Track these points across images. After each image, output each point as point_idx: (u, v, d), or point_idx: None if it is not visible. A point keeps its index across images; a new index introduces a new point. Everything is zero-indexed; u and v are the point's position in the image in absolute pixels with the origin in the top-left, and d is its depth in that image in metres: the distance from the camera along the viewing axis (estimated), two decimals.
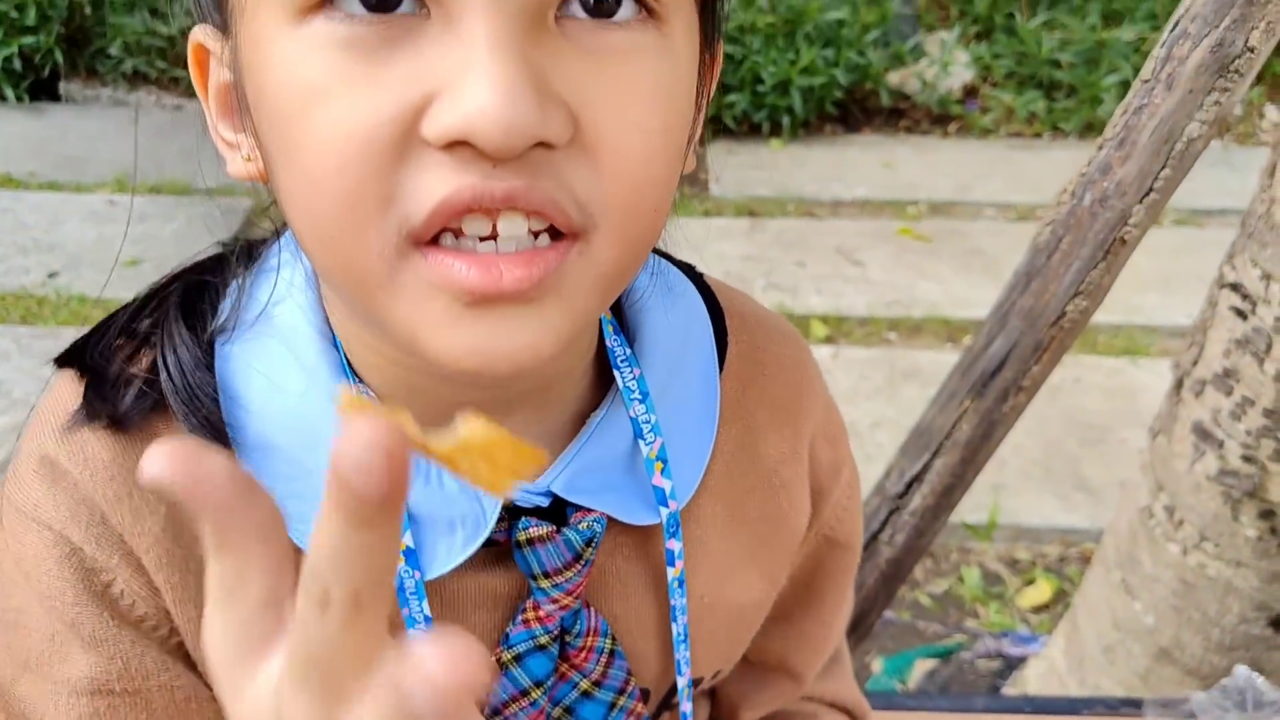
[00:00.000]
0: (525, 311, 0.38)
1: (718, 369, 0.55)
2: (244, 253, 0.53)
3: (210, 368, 0.47)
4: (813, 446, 0.58)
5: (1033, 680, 1.52)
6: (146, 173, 3.24)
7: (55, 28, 3.53)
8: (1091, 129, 3.60)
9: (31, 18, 3.47)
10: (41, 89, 3.67)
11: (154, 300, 0.50)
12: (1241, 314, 1.12)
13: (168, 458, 0.26)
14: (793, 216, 3.23)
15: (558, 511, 0.49)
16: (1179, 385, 1.24)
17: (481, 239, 0.37)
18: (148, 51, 3.60)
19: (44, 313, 2.57)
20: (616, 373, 0.50)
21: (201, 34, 0.44)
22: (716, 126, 3.62)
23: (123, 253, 2.77)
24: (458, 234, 0.37)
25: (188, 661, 0.47)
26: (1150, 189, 0.81)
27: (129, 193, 3.13)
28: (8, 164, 3.26)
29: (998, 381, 0.93)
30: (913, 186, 3.35)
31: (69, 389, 0.48)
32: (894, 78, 3.75)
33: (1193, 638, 1.27)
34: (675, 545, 0.52)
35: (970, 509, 2.09)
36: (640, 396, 0.51)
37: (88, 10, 3.57)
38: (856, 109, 3.74)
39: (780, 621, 0.63)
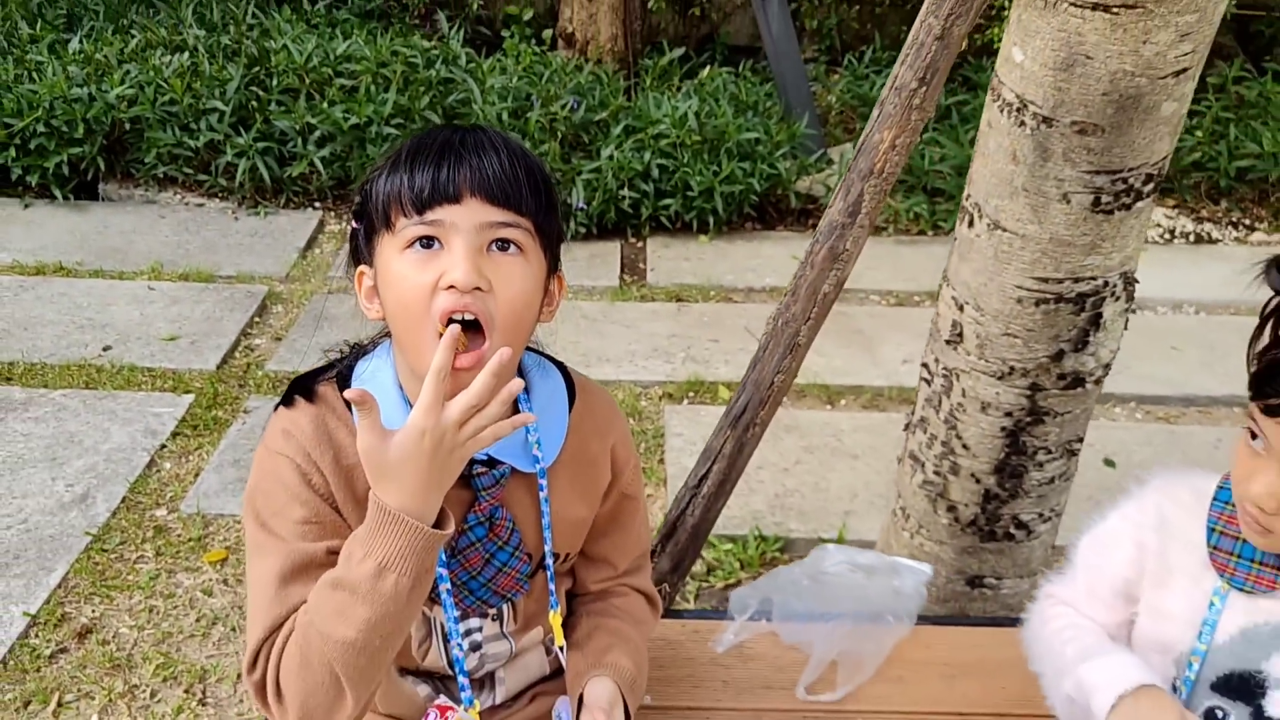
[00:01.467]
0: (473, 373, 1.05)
1: (568, 408, 1.21)
2: (357, 348, 1.19)
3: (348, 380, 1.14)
4: (613, 449, 1.25)
5: None
6: (176, 262, 3.91)
7: (99, 140, 4.21)
8: None
9: (80, 131, 4.15)
10: (82, 189, 4.34)
11: (330, 366, 1.17)
12: (928, 381, 1.81)
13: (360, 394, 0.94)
14: (713, 301, 3.93)
15: (492, 461, 1.15)
16: (906, 427, 1.92)
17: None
18: (176, 159, 4.28)
19: (102, 379, 3.20)
20: (521, 405, 1.17)
21: (364, 270, 1.11)
22: (654, 225, 4.33)
23: (162, 330, 3.43)
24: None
25: (340, 515, 1.12)
26: (810, 316, 1.49)
27: (163, 279, 3.78)
28: (59, 254, 3.90)
29: (743, 420, 1.61)
30: None
31: (289, 404, 1.14)
32: (802, 184, 4.49)
33: None
34: (542, 482, 1.18)
35: (826, 528, 2.76)
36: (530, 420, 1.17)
37: (127, 126, 4.26)
38: (771, 210, 4.48)
39: (604, 534, 1.29)
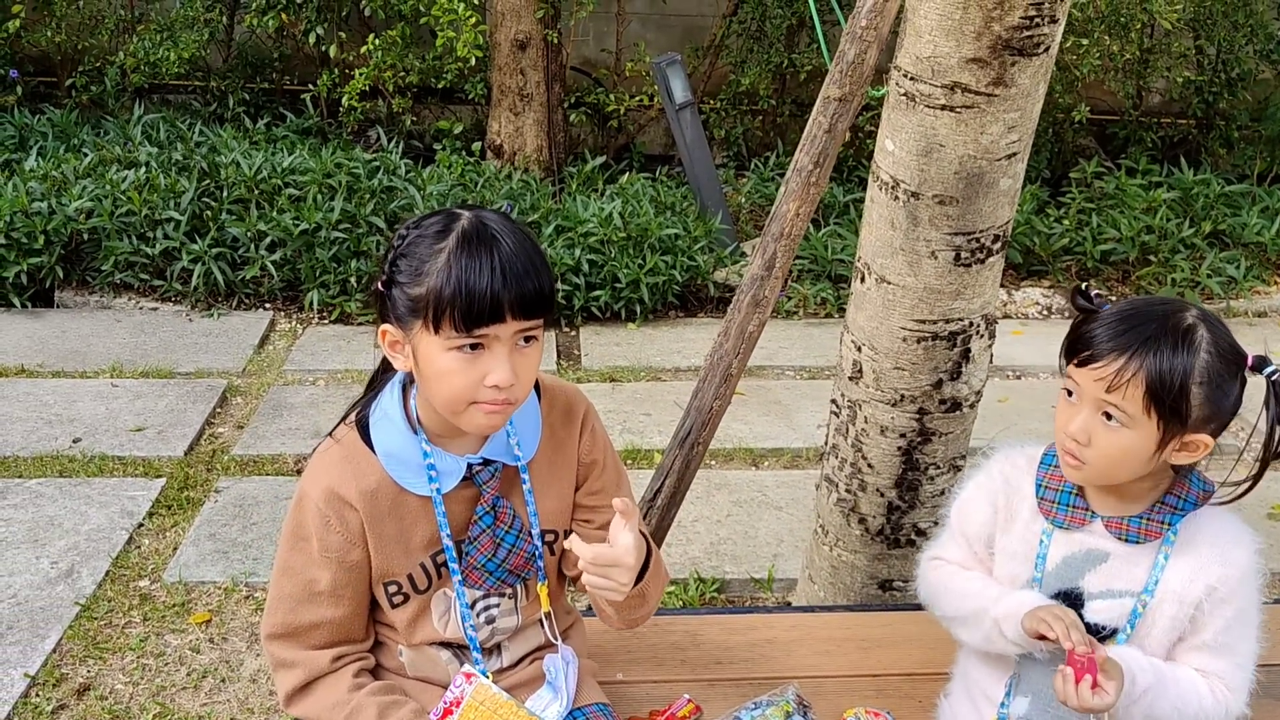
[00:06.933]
0: (500, 420, 1.37)
1: (539, 407, 1.52)
2: (380, 374, 1.49)
3: (368, 422, 1.44)
4: (581, 434, 1.56)
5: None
6: (135, 362, 4.13)
7: (58, 250, 4.45)
8: None
9: (39, 243, 4.38)
10: (38, 297, 4.54)
11: (364, 399, 1.47)
12: (836, 414, 2.18)
13: None
14: (644, 380, 4.29)
15: (486, 461, 1.45)
16: (821, 456, 2.28)
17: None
18: (133, 266, 4.53)
19: (75, 468, 3.38)
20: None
21: (389, 328, 1.40)
22: (586, 315, 4.71)
23: (128, 423, 3.63)
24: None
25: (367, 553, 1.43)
26: (739, 351, 1.85)
27: (124, 377, 3.99)
28: (20, 358, 4.08)
29: (689, 440, 1.95)
30: None
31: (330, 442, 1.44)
32: (719, 275, 4.93)
33: (839, 597, 2.26)
34: (525, 475, 1.48)
35: (757, 569, 3.07)
36: (509, 423, 1.48)
37: (85, 236, 4.50)
38: (692, 298, 4.90)
39: (599, 493, 1.56)
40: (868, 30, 1.79)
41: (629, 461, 3.64)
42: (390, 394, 1.46)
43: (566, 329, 4.69)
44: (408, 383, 1.46)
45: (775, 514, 3.35)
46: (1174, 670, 1.39)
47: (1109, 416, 1.32)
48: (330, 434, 1.47)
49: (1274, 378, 1.31)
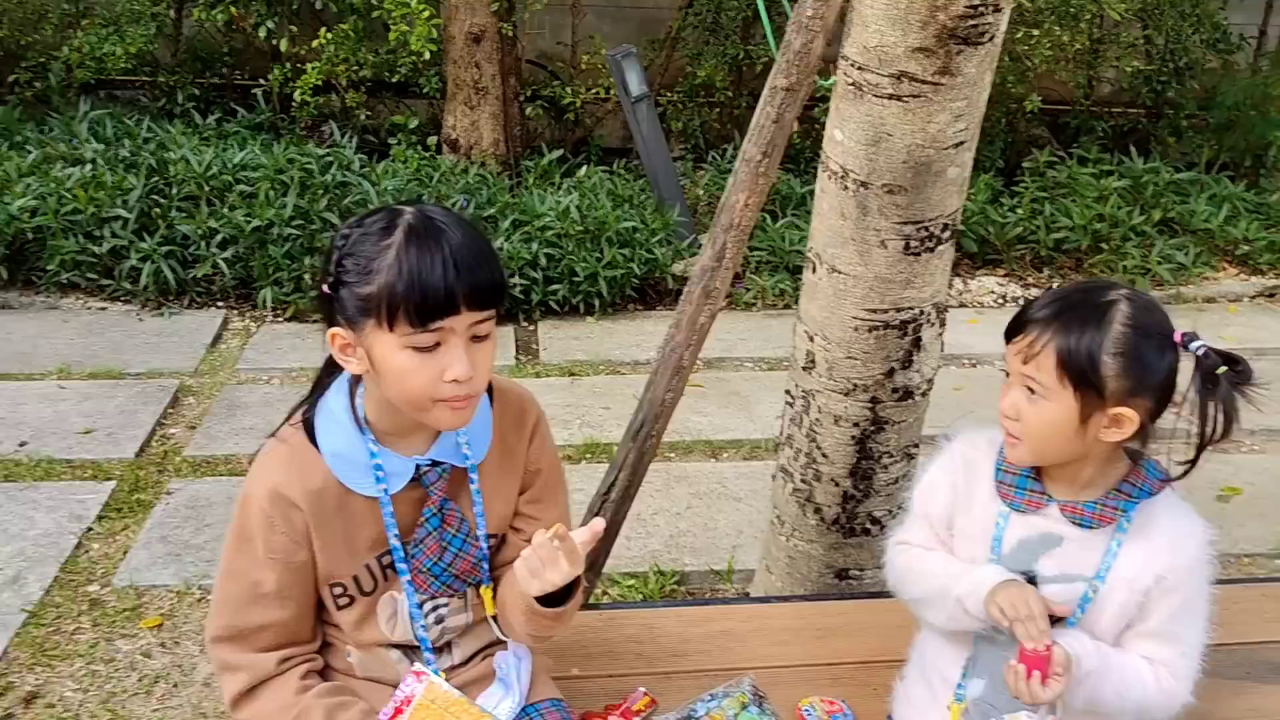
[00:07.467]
0: (468, 415, 1.35)
1: (490, 409, 1.51)
2: (326, 374, 1.47)
3: (314, 422, 1.42)
4: (531, 440, 1.55)
5: None
6: (83, 363, 4.04)
7: (0, 250, 4.35)
8: None
9: None
10: None
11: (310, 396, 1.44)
12: (790, 404, 2.18)
13: None
14: (603, 374, 4.27)
15: (435, 463, 1.44)
16: (776, 448, 2.28)
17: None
18: (79, 265, 4.44)
19: (21, 472, 3.31)
20: None
21: (339, 331, 1.37)
22: (545, 309, 4.68)
23: (77, 425, 3.56)
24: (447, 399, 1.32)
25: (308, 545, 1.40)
26: (691, 343, 1.84)
27: (72, 379, 3.91)
28: None
29: (642, 433, 1.94)
30: None
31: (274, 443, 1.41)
32: (677, 267, 4.93)
33: (796, 587, 2.27)
34: (473, 476, 1.47)
35: (717, 561, 3.07)
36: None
37: (30, 236, 4.40)
38: (650, 291, 4.89)
39: (536, 503, 1.55)
40: (814, 20, 1.79)
41: (588, 455, 3.63)
42: (336, 393, 1.44)
43: (525, 324, 4.67)
44: (354, 382, 1.43)
45: (735, 505, 3.36)
46: (1120, 656, 1.40)
47: (1031, 390, 1.35)
48: (275, 434, 1.44)
49: (1199, 352, 1.31)
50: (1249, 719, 1.74)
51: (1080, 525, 1.41)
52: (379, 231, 1.29)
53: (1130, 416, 1.32)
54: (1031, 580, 1.43)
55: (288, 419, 1.46)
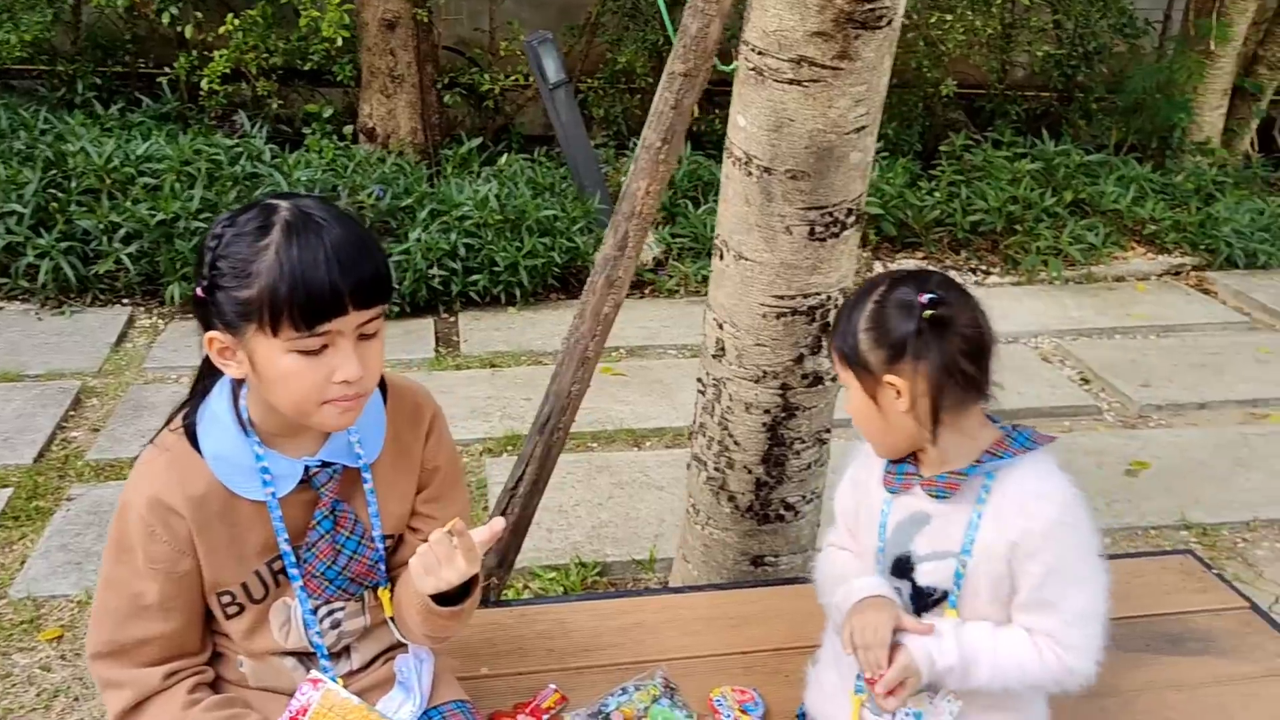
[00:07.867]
0: (355, 414, 1.30)
1: (384, 406, 1.46)
2: (205, 376, 1.41)
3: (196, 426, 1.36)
4: (427, 437, 1.51)
5: None
6: None
7: None
8: None
9: None
10: None
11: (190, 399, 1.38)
12: (702, 392, 2.17)
13: None
14: (525, 365, 4.23)
15: (325, 463, 1.39)
16: (689, 436, 2.27)
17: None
18: None
19: None
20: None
21: (216, 335, 1.31)
22: (465, 300, 4.61)
23: None
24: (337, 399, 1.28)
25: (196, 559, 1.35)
26: (595, 334, 1.82)
27: None
28: None
29: (549, 426, 1.91)
30: (614, 336, 4.41)
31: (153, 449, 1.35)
32: (599, 256, 4.89)
33: (712, 576, 2.26)
34: (368, 475, 1.42)
35: (639, 551, 3.06)
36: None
37: None
38: (573, 280, 4.84)
39: (435, 501, 1.52)
40: (709, 3, 1.76)
41: (509, 448, 3.58)
42: (219, 395, 1.38)
43: (445, 315, 4.59)
44: (237, 383, 1.37)
45: (657, 494, 3.34)
46: (993, 639, 1.39)
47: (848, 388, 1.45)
48: (153, 440, 1.38)
49: (926, 313, 1.32)
50: (1148, 691, 1.77)
51: (936, 497, 1.40)
52: (255, 230, 1.23)
53: (898, 384, 1.35)
54: (907, 561, 1.43)
55: (167, 423, 1.40)
